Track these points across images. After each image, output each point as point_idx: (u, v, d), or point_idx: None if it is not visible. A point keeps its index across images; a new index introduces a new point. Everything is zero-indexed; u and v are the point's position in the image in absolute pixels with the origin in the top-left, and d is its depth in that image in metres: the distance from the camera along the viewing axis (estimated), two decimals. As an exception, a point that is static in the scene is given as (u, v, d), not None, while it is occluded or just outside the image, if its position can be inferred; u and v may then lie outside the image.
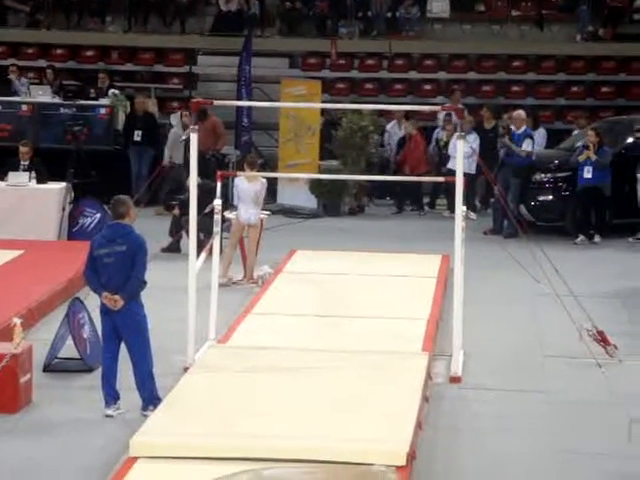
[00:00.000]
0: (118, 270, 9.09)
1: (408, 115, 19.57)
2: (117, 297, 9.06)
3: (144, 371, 9.15)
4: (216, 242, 11.25)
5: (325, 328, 11.41)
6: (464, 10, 23.61)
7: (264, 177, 13.94)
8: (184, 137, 10.70)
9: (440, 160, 19.13)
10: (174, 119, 19.25)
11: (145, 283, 9.25)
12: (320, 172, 18.28)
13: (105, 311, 9.19)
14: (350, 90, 22.74)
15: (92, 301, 10.60)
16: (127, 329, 9.14)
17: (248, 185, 13.49)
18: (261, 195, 13.62)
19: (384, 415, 8.68)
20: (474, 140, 17.89)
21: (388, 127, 19.82)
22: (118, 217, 9.22)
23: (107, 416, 9.09)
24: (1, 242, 14.51)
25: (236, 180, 13.77)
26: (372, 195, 19.58)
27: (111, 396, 9.16)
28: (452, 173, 13.50)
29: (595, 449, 8.66)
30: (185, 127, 17.24)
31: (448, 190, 17.28)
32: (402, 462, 7.81)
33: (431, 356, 10.44)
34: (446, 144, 19.10)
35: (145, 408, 9.09)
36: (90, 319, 10.44)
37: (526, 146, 17.16)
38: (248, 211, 13.48)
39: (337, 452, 7.86)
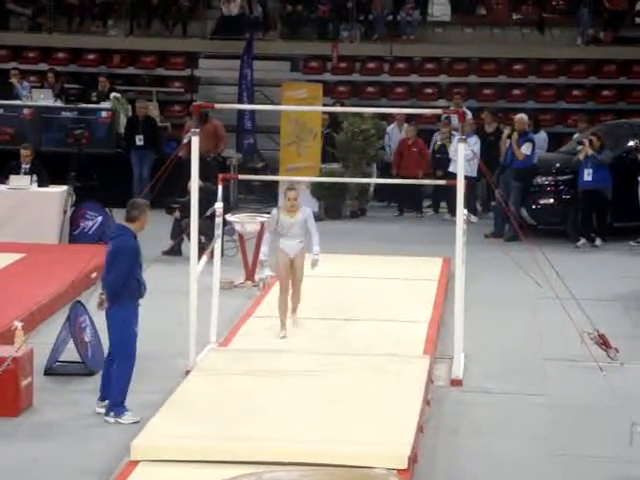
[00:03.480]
0: (106, 269, 9.21)
1: (409, 118, 19.60)
2: (103, 298, 9.15)
3: (117, 376, 9.11)
4: (217, 245, 11.25)
5: (326, 331, 11.40)
6: (465, 13, 23.66)
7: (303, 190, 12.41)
8: (185, 140, 10.68)
9: (435, 163, 19.10)
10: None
11: (128, 287, 9.10)
12: (321, 175, 18.29)
13: None
14: (351, 93, 22.76)
15: (94, 304, 10.61)
16: (109, 330, 9.18)
17: (291, 219, 11.30)
18: (313, 223, 11.37)
19: (385, 418, 8.68)
20: (475, 143, 17.90)
21: (388, 130, 19.84)
22: (127, 220, 9.25)
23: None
24: (2, 245, 14.51)
25: (273, 212, 11.53)
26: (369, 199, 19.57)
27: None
28: (453, 176, 13.50)
29: (597, 453, 8.66)
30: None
31: (449, 193, 17.28)
32: (403, 465, 7.82)
33: (432, 359, 10.43)
34: (441, 147, 19.12)
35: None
36: (91, 322, 10.43)
37: (525, 149, 17.17)
38: (294, 246, 11.29)
39: (338, 455, 7.86)
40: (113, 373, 9.11)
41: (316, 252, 11.25)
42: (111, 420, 8.99)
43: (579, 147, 17.16)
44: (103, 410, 9.15)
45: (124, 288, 9.03)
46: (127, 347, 9.04)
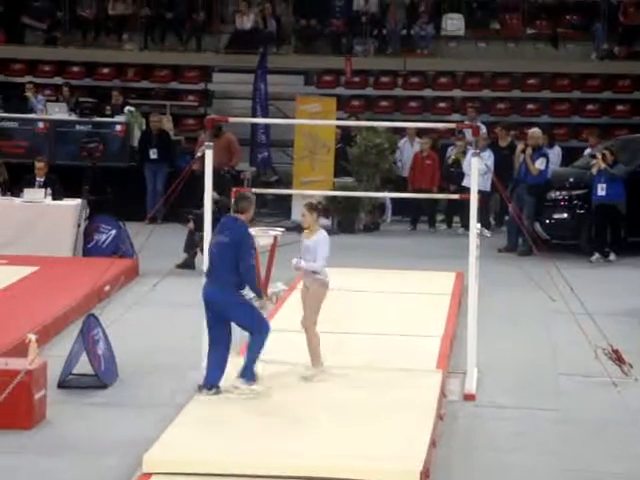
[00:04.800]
0: (220, 261, 9.45)
1: (420, 133, 19.63)
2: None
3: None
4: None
5: (339, 345, 11.38)
6: (479, 28, 23.68)
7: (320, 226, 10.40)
8: (198, 154, 10.71)
9: (448, 178, 19.08)
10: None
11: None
12: (335, 189, 18.30)
13: (203, 296, 9.54)
14: (365, 107, 22.79)
15: (107, 317, 10.64)
16: (237, 317, 9.48)
17: (307, 241, 10.33)
18: (320, 248, 10.18)
19: (398, 433, 8.65)
20: (489, 157, 17.90)
21: (400, 144, 19.87)
22: (238, 211, 9.58)
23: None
24: (17, 258, 14.55)
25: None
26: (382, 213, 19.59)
27: (207, 380, 9.49)
28: (467, 190, 13.49)
29: (610, 468, 8.62)
30: None
31: (463, 207, 17.27)
32: (416, 480, 7.79)
33: (445, 373, 10.41)
34: (455, 162, 19.10)
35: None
36: (104, 335, 10.44)
37: (539, 164, 17.16)
38: (309, 272, 10.32)
39: (351, 470, 7.84)
40: (252, 343, 9.45)
41: (296, 262, 10.10)
42: (242, 385, 9.33)
43: (593, 161, 17.15)
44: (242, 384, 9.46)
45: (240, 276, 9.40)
46: (263, 323, 9.49)
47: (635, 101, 22.71)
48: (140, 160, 19.35)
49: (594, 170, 16.70)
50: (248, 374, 9.50)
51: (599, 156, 16.67)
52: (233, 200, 9.71)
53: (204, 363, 10.09)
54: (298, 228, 18.29)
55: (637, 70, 22.70)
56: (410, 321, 12.42)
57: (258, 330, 9.53)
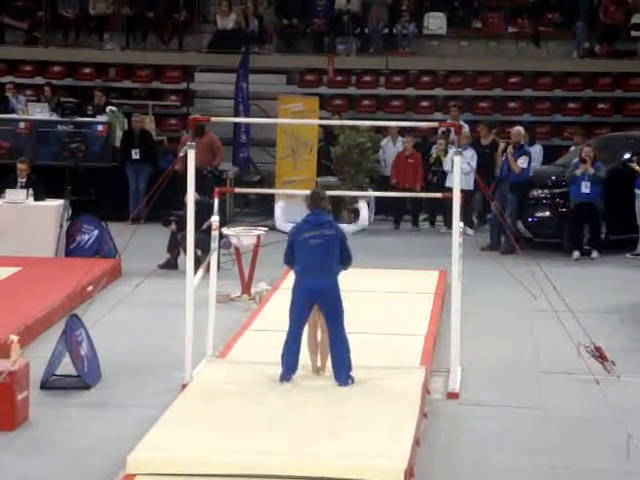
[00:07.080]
0: (327, 251, 9.82)
1: (402, 132, 19.65)
2: None
3: (342, 349, 9.75)
4: (213, 259, 11.24)
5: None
6: (461, 27, 23.72)
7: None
8: (181, 154, 10.69)
9: (431, 176, 19.09)
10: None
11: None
12: (317, 188, 18.29)
13: (306, 289, 9.76)
14: (347, 107, 22.80)
15: (89, 317, 10.62)
16: (334, 300, 9.79)
17: None
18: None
19: (381, 431, 8.66)
20: (471, 156, 17.93)
21: (382, 143, 19.89)
22: (319, 209, 9.88)
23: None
24: (-1, 259, 14.51)
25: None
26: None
27: (290, 367, 9.79)
28: (449, 189, 13.52)
29: (593, 466, 8.65)
30: None
31: (445, 206, 17.30)
32: (399, 479, 7.80)
33: (428, 371, 10.42)
34: (436, 160, 19.12)
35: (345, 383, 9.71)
36: (87, 336, 10.42)
37: (522, 162, 17.20)
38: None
39: (334, 468, 7.85)
40: (342, 345, 9.74)
41: None
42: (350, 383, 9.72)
43: (575, 159, 17.17)
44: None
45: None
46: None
47: (616, 99, 22.79)
48: (122, 160, 19.32)
49: (579, 172, 16.72)
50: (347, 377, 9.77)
51: (588, 161, 16.65)
52: (309, 200, 9.90)
53: (187, 363, 10.09)
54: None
55: (618, 68, 22.79)
56: (393, 320, 12.42)
57: (342, 322, 9.79)
